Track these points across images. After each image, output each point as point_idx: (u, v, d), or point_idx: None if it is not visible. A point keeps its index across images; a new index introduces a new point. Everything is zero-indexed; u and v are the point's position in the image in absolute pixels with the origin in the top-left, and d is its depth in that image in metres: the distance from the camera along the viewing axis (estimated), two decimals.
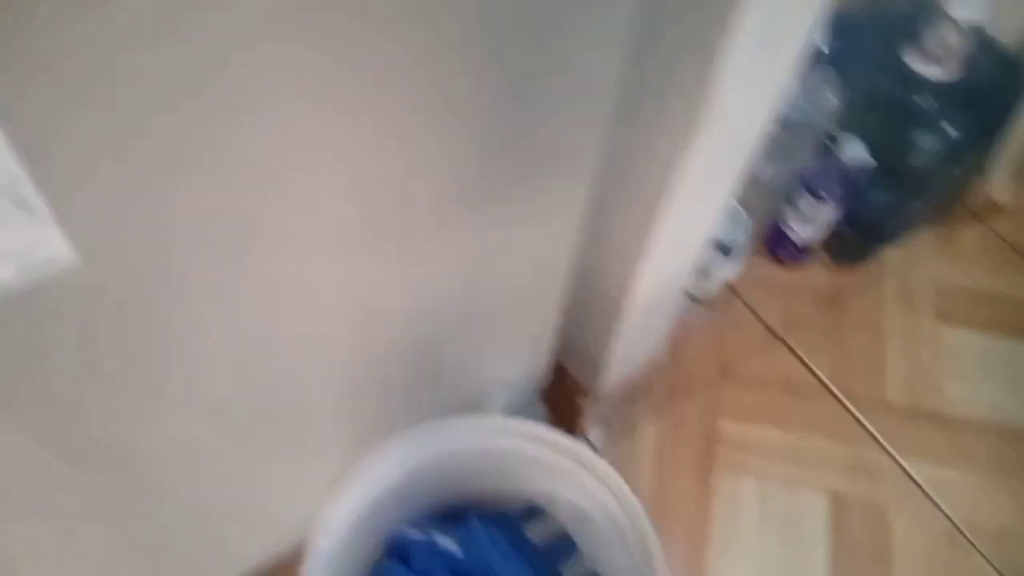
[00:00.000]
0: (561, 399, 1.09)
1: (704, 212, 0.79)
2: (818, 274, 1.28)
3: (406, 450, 0.82)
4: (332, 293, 0.60)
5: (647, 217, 0.74)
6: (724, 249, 1.04)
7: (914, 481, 1.10)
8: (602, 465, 0.81)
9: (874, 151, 1.05)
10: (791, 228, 1.20)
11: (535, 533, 0.92)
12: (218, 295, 0.53)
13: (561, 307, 0.85)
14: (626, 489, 0.80)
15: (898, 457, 1.12)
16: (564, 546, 0.91)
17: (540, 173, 0.63)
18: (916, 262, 1.30)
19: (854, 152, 1.05)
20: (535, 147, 0.59)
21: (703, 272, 1.04)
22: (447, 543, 0.88)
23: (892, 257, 1.30)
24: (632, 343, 0.98)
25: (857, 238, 1.23)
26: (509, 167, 0.60)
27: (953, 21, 0.97)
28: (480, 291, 0.73)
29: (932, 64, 1.03)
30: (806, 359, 1.20)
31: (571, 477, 0.83)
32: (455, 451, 0.84)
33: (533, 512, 0.93)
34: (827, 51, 1.00)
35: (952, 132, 1.04)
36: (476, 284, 0.72)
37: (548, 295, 0.82)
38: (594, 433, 1.13)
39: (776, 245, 1.26)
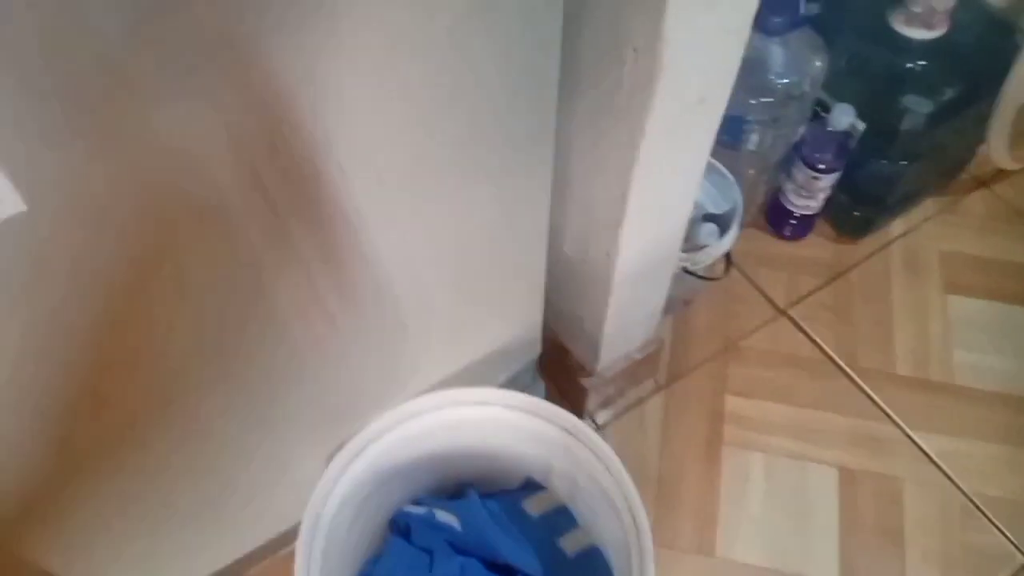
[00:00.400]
0: (565, 381, 1.12)
1: (680, 179, 0.82)
2: (822, 246, 1.31)
3: (406, 421, 0.86)
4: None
5: (621, 185, 0.77)
6: (717, 221, 1.07)
7: (925, 454, 1.12)
8: (594, 437, 0.84)
9: (865, 117, 1.08)
10: (790, 201, 1.23)
11: (533, 507, 0.95)
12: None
13: (544, 275, 0.89)
14: (617, 462, 0.83)
15: (908, 430, 1.14)
16: (562, 519, 0.95)
17: (503, 135, 0.67)
18: (921, 232, 1.33)
19: (845, 119, 1.08)
20: (496, 109, 0.64)
21: (697, 246, 1.07)
22: (447, 517, 0.92)
23: (897, 226, 1.33)
24: (627, 320, 1.01)
25: (859, 209, 1.26)
26: (474, 131, 0.64)
27: None
28: (463, 258, 0.77)
29: (919, 26, 1.06)
30: (812, 334, 1.22)
31: (565, 449, 0.86)
32: (454, 421, 0.88)
33: (532, 486, 0.97)
34: (812, 15, 1.02)
35: (942, 94, 1.06)
36: (459, 251, 0.76)
37: (530, 261, 0.85)
38: (599, 413, 1.17)
39: (777, 219, 1.29)
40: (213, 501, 0.81)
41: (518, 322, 0.94)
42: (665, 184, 0.81)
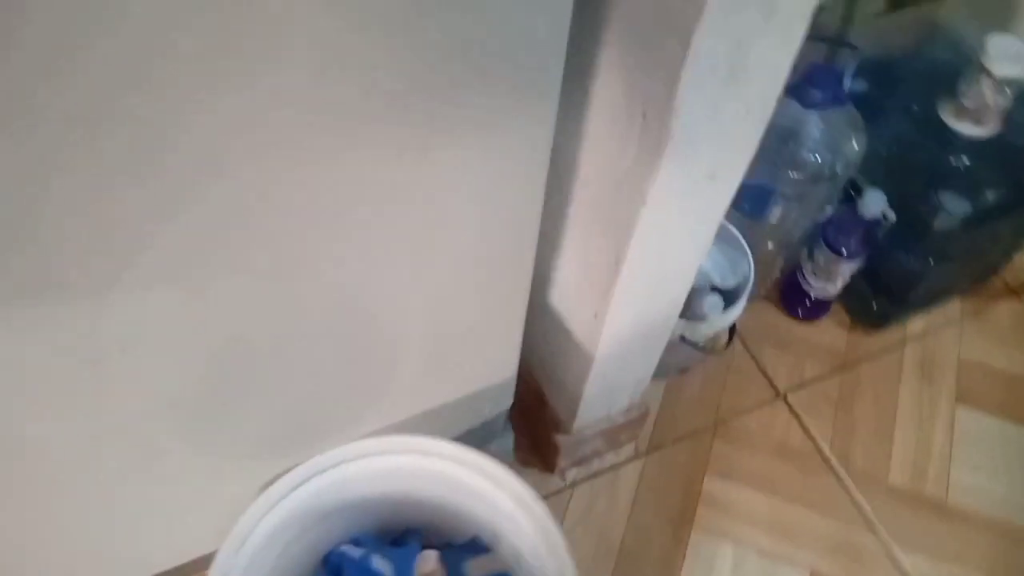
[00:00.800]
0: (540, 432, 1.08)
1: (681, 253, 0.78)
2: (834, 333, 1.26)
3: (351, 461, 0.83)
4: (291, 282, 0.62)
5: (616, 250, 0.74)
6: (723, 294, 1.03)
7: (904, 573, 1.07)
8: (542, 515, 0.80)
9: (898, 207, 1.03)
10: (807, 281, 1.18)
11: (475, 568, 0.91)
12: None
13: (522, 328, 0.85)
14: (563, 547, 0.78)
15: (892, 545, 1.08)
16: None
17: (490, 184, 0.63)
18: (941, 334, 1.27)
19: (876, 206, 1.03)
20: (483, 153, 0.60)
21: (699, 316, 1.03)
22: (382, 565, 0.88)
23: (916, 325, 1.28)
24: (612, 384, 0.98)
25: (878, 300, 1.21)
26: (459, 171, 0.61)
27: (993, 77, 0.95)
28: (440, 301, 0.74)
29: (968, 120, 1.01)
30: (808, 424, 1.17)
31: (512, 519, 0.82)
32: (402, 468, 0.84)
33: (478, 547, 0.92)
34: (856, 94, 0.98)
35: (983, 197, 1.02)
36: (436, 294, 0.72)
37: (509, 314, 0.82)
38: (570, 471, 1.12)
39: (791, 297, 1.24)
40: (130, 511, 0.78)
41: (492, 372, 0.90)
42: (664, 256, 0.77)
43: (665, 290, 0.83)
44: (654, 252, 0.74)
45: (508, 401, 0.98)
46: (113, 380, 0.61)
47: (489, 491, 0.81)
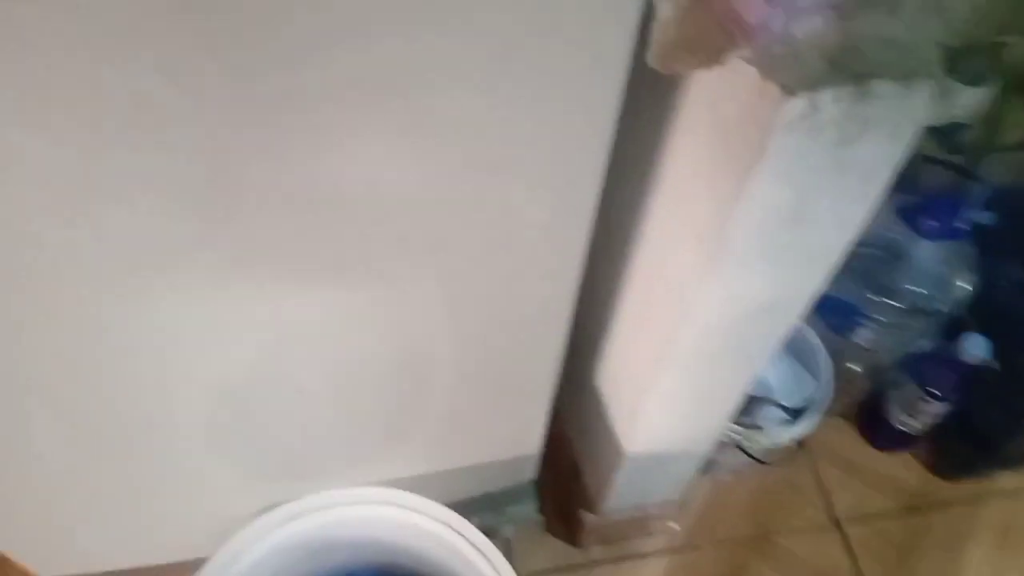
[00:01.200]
0: (568, 502, 1.06)
1: (725, 377, 0.75)
2: (911, 471, 1.18)
3: (356, 504, 0.83)
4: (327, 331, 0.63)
5: (656, 356, 0.71)
6: (784, 410, 0.98)
7: None
8: None
9: (1003, 357, 0.96)
10: (890, 412, 1.11)
11: None
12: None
13: (548, 408, 0.83)
14: None
15: None
16: None
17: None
18: None
19: (978, 352, 0.96)
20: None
21: (756, 426, 0.98)
22: None
23: (1004, 482, 1.18)
24: (644, 479, 0.95)
25: (966, 447, 1.13)
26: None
27: None
28: (470, 348, 0.73)
29: None
30: (861, 562, 1.10)
31: None
32: (399, 522, 0.84)
33: None
34: (981, 226, 0.91)
35: None
36: (468, 331, 0.72)
37: (536, 386, 0.80)
38: (595, 548, 1.09)
39: (871, 423, 1.17)
40: (129, 500, 0.80)
41: (515, 444, 0.89)
42: (707, 374, 0.73)
43: (706, 406, 0.80)
44: (696, 368, 0.71)
45: (530, 474, 0.96)
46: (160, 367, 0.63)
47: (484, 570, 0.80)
